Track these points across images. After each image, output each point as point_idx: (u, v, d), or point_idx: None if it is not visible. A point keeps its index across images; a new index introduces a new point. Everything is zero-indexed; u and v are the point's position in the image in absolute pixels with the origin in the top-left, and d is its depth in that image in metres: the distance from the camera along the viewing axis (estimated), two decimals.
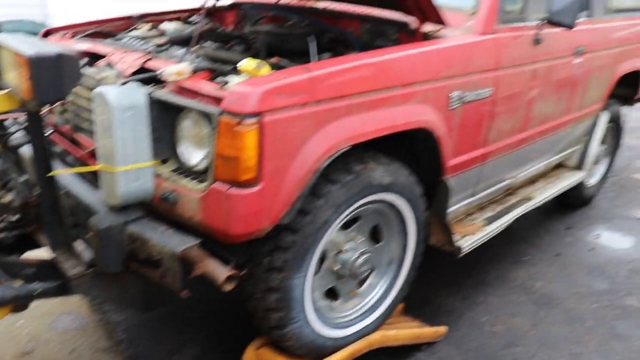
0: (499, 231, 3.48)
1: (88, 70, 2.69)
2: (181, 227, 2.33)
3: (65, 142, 2.90)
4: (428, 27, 2.95)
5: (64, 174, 2.60)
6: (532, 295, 3.76)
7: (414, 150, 2.89)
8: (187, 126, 2.30)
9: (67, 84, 1.99)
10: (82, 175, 2.72)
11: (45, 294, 2.46)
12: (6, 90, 2.25)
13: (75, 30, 3.52)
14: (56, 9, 8.87)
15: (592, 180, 5.08)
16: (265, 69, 2.31)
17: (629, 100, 5.11)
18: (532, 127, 3.60)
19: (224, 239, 2.22)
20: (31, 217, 2.69)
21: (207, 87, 2.25)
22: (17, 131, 2.88)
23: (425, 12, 2.81)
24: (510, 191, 3.94)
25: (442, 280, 3.84)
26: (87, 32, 3.45)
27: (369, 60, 2.41)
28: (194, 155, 2.29)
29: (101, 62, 2.87)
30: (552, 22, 3.26)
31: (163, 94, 2.34)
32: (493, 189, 3.58)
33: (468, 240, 3.23)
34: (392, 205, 2.75)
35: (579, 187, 4.74)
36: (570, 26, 3.19)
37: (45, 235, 2.51)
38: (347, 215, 2.51)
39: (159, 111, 2.34)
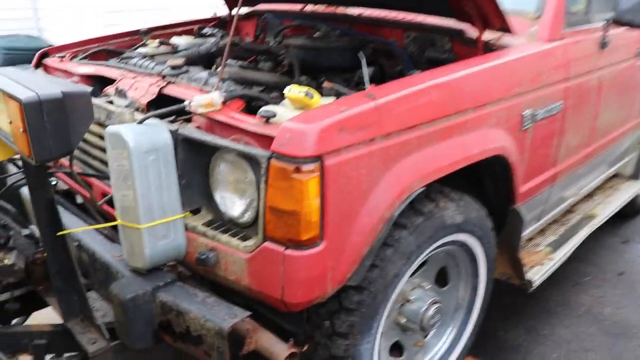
0: (566, 258, 3.08)
1: (96, 101, 2.29)
2: (223, 288, 1.94)
3: (72, 182, 2.50)
4: (488, 35, 2.54)
5: (74, 224, 2.20)
6: (602, 324, 3.36)
7: (480, 179, 2.48)
8: (224, 170, 1.90)
9: (75, 133, 1.58)
10: (94, 218, 2.32)
11: None
12: None
13: (76, 49, 3.10)
14: (49, 22, 8.45)
15: None
16: (317, 98, 1.91)
17: None
18: (598, 139, 3.20)
19: (279, 307, 1.82)
20: (38, 277, 2.28)
21: (248, 122, 1.85)
22: (15, 174, 2.47)
23: (487, 17, 2.40)
24: (569, 208, 3.54)
25: (499, 309, 3.43)
26: (89, 52, 3.03)
27: (439, 81, 2.00)
28: (235, 206, 1.89)
29: (110, 89, 2.47)
30: (620, 22, 2.86)
31: (192, 131, 1.94)
32: (557, 210, 3.18)
33: (538, 272, 2.83)
34: (462, 245, 2.34)
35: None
36: None
37: (56, 302, 2.10)
38: (418, 263, 2.11)
39: (187, 152, 1.94)
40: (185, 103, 1.96)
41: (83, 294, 2.01)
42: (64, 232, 1.89)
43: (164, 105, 2.08)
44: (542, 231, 3.26)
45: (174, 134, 1.91)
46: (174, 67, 2.46)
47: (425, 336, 2.50)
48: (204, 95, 1.95)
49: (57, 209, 1.89)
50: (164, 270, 1.95)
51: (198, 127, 1.99)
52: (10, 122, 1.55)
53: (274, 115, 1.81)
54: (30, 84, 1.57)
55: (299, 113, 1.80)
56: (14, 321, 2.37)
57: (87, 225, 2.19)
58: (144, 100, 2.25)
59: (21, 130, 1.45)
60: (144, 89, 2.32)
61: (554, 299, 3.60)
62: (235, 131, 1.88)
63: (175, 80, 2.34)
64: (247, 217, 1.84)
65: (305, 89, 1.90)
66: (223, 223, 1.94)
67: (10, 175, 2.47)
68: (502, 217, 2.56)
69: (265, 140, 1.74)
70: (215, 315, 1.75)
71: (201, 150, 1.93)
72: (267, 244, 1.73)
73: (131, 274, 1.93)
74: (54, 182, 2.40)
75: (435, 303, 2.29)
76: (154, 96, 2.25)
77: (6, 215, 2.23)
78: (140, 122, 1.90)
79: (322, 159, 1.65)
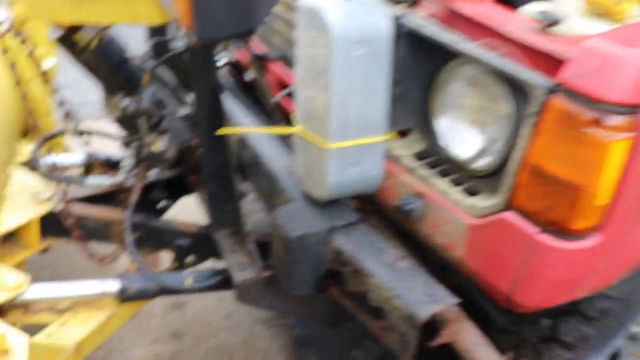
0: None
1: None
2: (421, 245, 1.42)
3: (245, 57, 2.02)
4: None
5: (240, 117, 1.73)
6: None
7: None
8: (460, 89, 1.30)
9: (261, 4, 1.03)
10: (266, 113, 1.85)
11: (197, 290, 1.70)
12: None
13: None
14: None
15: None
16: (629, 3, 1.21)
17: None
18: None
19: (499, 300, 1.27)
20: (191, 166, 1.89)
21: (514, 23, 1.20)
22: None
23: None
24: None
25: None
26: None
27: None
28: (466, 142, 1.30)
29: None
30: None
31: (423, 22, 1.33)
32: None
33: None
34: None
35: None
36: None
37: (206, 207, 1.70)
38: None
39: (411, 52, 1.35)
40: None
41: (237, 206, 1.58)
42: (225, 131, 1.42)
43: None
44: None
45: (397, 22, 1.32)
46: None
47: None
48: None
49: (220, 100, 1.41)
50: (346, 205, 1.45)
51: (430, 16, 1.38)
52: None
53: (559, 22, 1.15)
54: None
55: (608, 26, 1.13)
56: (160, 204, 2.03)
57: (258, 119, 1.71)
58: None
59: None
60: None
61: None
62: (487, 33, 1.25)
63: None
64: (484, 164, 1.26)
65: None
66: (440, 160, 1.37)
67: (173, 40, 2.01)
68: None
69: (544, 59, 1.10)
70: (409, 292, 1.23)
71: (430, 53, 1.33)
72: (509, 214, 1.16)
73: (303, 201, 1.46)
74: (222, 60, 1.91)
75: None
76: None
77: (164, 88, 1.80)
78: None
79: (637, 114, 1.00)
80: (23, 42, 1.59)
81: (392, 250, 1.34)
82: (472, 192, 1.28)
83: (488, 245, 1.21)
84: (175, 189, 2.03)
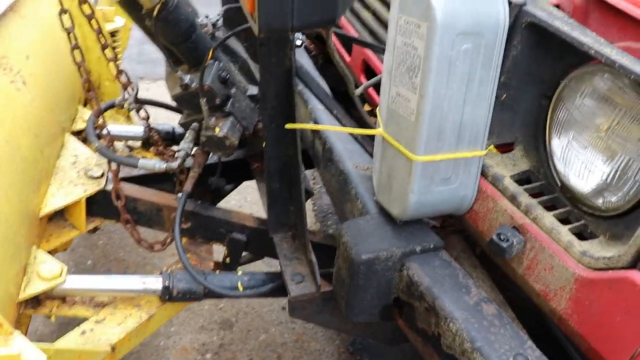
0: None
1: None
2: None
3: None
4: None
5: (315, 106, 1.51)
6: None
7: None
8: (589, 102, 1.03)
9: None
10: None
11: (247, 296, 1.53)
12: None
13: None
14: None
15: None
16: None
17: None
18: None
19: None
20: (255, 152, 1.70)
21: None
22: None
23: None
24: None
25: None
26: None
27: None
28: (590, 170, 1.04)
29: None
30: None
31: (549, 13, 1.06)
32: None
33: None
34: None
35: None
36: None
37: (266, 204, 1.51)
38: None
39: (527, 50, 1.09)
40: None
41: (302, 208, 1.39)
42: (294, 125, 1.21)
43: None
44: None
45: (516, 11, 1.06)
46: None
47: None
48: None
49: (292, 88, 1.20)
50: (426, 225, 1.22)
51: (556, 6, 1.11)
52: None
53: None
54: None
55: None
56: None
57: (336, 106, 1.48)
58: None
59: None
60: None
61: None
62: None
63: None
64: (610, 201, 1.00)
65: None
66: (548, 187, 1.12)
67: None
68: None
69: None
70: (492, 347, 1.00)
71: (553, 54, 1.07)
72: (638, 275, 0.90)
73: (376, 216, 1.24)
74: (298, 41, 1.69)
75: None
76: None
77: (234, 62, 1.60)
78: None
79: None
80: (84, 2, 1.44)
81: (476, 288, 1.11)
82: (590, 234, 1.02)
83: (601, 306, 0.96)
84: (236, 173, 1.86)
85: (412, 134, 1.08)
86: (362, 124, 1.48)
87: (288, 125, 1.21)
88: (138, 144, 1.95)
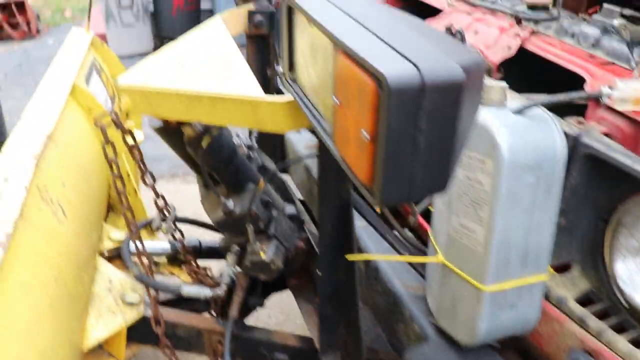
0: None
1: None
2: None
3: None
4: None
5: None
6: None
7: None
8: None
9: (457, 153, 0.79)
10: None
11: None
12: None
13: None
14: None
15: None
16: None
17: None
18: None
19: None
20: (293, 269, 1.70)
21: None
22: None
23: None
24: None
25: None
26: None
27: None
28: None
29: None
30: None
31: (603, 143, 1.12)
32: None
33: None
34: None
35: None
36: None
37: (314, 326, 1.50)
38: None
39: (584, 179, 1.14)
40: (602, 89, 1.13)
41: (358, 332, 1.37)
42: (356, 257, 1.22)
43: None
44: None
45: (575, 141, 1.11)
46: (533, 6, 1.62)
47: None
48: (638, 82, 1.11)
49: (351, 217, 1.22)
50: (492, 350, 1.22)
51: (607, 135, 1.17)
52: (339, 103, 0.83)
53: None
54: (395, 37, 0.80)
55: None
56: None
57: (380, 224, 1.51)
58: (495, 57, 1.47)
59: (367, 137, 0.72)
60: (493, 37, 1.53)
61: None
62: None
63: (540, 30, 1.52)
64: None
65: None
66: (615, 307, 1.15)
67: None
68: None
69: None
70: None
71: (610, 181, 1.12)
72: None
73: (439, 339, 1.24)
74: None
75: None
76: (513, 53, 1.46)
77: (264, 175, 1.62)
78: (520, 112, 1.11)
79: None
80: (124, 133, 1.45)
81: None
82: None
83: None
84: (271, 288, 1.84)
85: (480, 264, 1.10)
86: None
87: (350, 257, 1.22)
88: (163, 258, 1.92)
